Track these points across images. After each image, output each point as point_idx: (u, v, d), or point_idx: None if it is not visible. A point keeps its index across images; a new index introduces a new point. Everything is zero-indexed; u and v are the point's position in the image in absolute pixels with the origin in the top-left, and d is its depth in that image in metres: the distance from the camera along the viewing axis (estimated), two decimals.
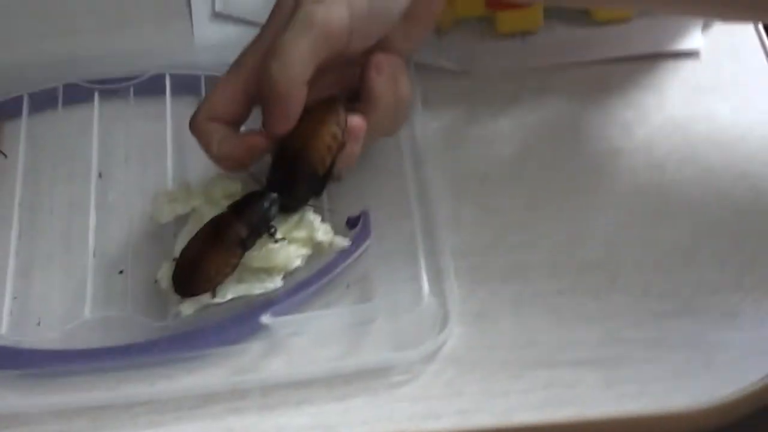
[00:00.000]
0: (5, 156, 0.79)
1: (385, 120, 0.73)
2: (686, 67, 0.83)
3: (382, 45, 0.73)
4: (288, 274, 0.71)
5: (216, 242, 0.70)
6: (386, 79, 0.72)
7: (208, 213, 0.73)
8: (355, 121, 0.72)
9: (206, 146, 0.72)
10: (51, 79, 0.82)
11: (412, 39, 0.75)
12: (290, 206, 0.72)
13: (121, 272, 0.73)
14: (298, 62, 0.69)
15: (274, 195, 0.71)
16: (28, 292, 0.73)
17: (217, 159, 0.72)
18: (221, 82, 0.72)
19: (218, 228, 0.70)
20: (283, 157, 0.72)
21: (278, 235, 0.71)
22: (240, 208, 0.71)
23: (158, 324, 0.71)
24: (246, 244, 0.70)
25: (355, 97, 0.73)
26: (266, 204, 0.71)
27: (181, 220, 0.74)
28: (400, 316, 0.70)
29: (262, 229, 0.71)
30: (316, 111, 0.72)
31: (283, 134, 0.71)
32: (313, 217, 0.73)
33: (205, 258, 0.70)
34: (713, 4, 0.73)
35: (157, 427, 0.68)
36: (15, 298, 0.73)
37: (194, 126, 0.72)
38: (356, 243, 0.73)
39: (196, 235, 0.71)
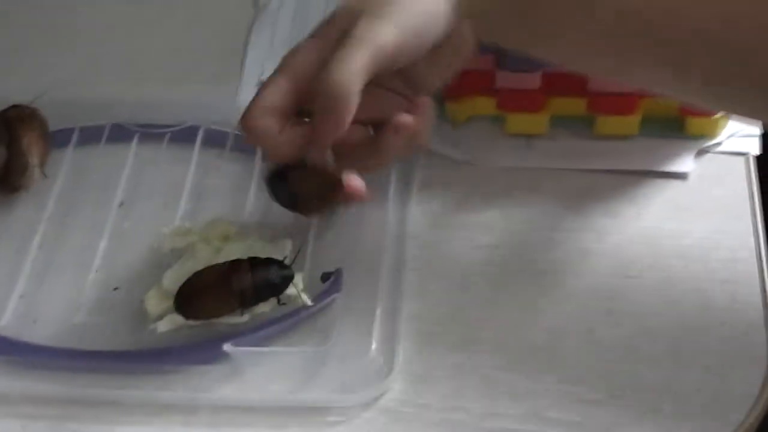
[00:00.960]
0: (46, 176, 0.90)
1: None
2: (672, 186, 0.89)
3: (408, 77, 0.79)
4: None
5: (223, 284, 0.79)
6: (401, 138, 0.77)
7: (202, 250, 0.82)
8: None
9: (260, 139, 0.77)
10: (102, 117, 0.93)
11: (437, 76, 0.80)
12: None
13: (115, 289, 0.83)
14: (355, 75, 0.73)
15: (292, 274, 0.79)
16: (34, 293, 0.83)
17: (273, 150, 0.77)
18: (271, 82, 0.76)
19: (231, 272, 0.79)
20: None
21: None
22: (257, 266, 0.79)
23: (134, 337, 0.80)
24: (245, 301, 0.78)
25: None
26: (280, 277, 0.79)
27: (177, 254, 0.83)
28: (348, 364, 0.78)
29: (264, 295, 0.79)
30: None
31: (331, 141, 0.76)
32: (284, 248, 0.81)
33: (206, 293, 0.79)
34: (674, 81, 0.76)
35: (115, 425, 0.76)
36: (21, 296, 0.83)
37: (247, 121, 0.76)
38: (324, 297, 0.81)
39: (214, 267, 0.79)
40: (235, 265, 0.79)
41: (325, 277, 0.82)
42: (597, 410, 0.76)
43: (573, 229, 0.87)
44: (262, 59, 1.00)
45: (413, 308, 0.81)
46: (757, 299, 0.81)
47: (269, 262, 0.79)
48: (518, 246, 0.86)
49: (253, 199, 0.88)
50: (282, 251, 0.82)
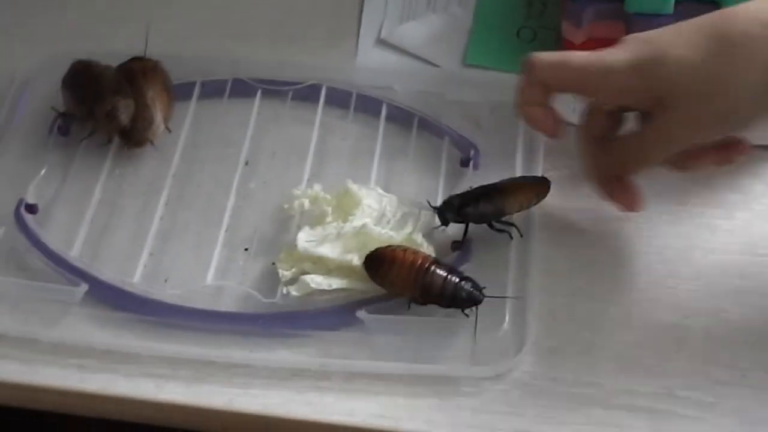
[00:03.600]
0: (169, 131, 0.90)
1: None
2: None
3: None
4: None
5: (415, 270, 0.77)
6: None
7: (333, 216, 0.82)
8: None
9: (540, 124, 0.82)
10: (223, 73, 0.93)
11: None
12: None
13: (246, 250, 0.83)
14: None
15: (481, 299, 0.77)
16: (164, 251, 0.84)
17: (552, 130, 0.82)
18: (548, 68, 0.80)
19: (429, 264, 0.78)
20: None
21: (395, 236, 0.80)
22: (453, 273, 0.78)
23: (267, 300, 0.80)
24: (422, 297, 0.77)
25: None
26: (467, 294, 0.77)
27: (306, 217, 0.83)
28: (481, 336, 0.78)
29: (443, 303, 0.78)
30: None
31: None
32: (420, 240, 0.81)
33: (398, 268, 0.78)
34: None
35: (248, 388, 0.77)
36: (151, 254, 0.83)
37: (525, 106, 0.81)
38: (456, 265, 0.81)
39: (411, 250, 0.79)
40: (435, 261, 0.78)
41: (456, 245, 0.82)
42: (729, 391, 0.76)
43: (700, 204, 0.86)
44: (380, 18, 0.99)
45: (542, 281, 0.81)
46: None
47: (467, 277, 0.78)
48: (644, 220, 0.85)
49: (377, 163, 0.87)
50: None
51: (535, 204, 0.83)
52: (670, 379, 0.77)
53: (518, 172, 0.86)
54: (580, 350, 0.78)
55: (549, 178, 0.85)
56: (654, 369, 0.77)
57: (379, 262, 0.78)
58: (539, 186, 0.84)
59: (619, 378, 0.77)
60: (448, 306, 0.77)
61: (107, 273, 0.81)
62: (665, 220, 0.85)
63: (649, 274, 0.82)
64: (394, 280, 0.78)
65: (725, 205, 0.86)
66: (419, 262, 0.77)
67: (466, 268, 0.80)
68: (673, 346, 0.79)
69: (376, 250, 0.78)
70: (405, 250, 0.78)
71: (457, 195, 0.83)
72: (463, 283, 0.77)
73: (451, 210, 0.82)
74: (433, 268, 0.77)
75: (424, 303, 0.78)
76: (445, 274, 0.77)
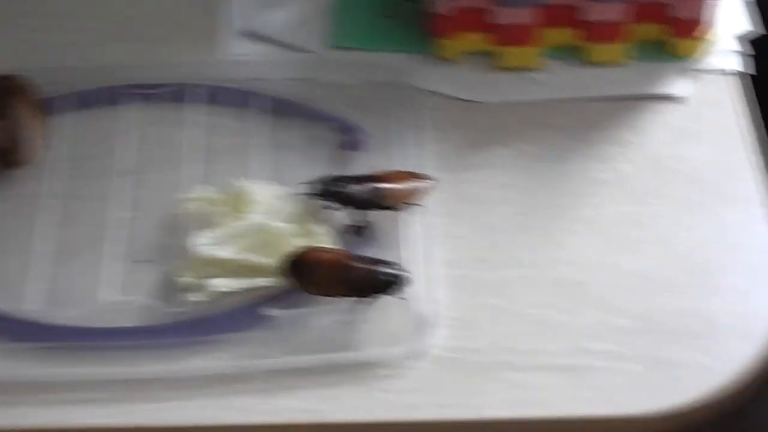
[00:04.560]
0: (48, 148, 0.87)
1: None
2: (670, 110, 0.91)
3: None
4: None
5: (340, 270, 0.78)
6: None
7: (226, 217, 0.81)
8: None
9: None
10: (98, 81, 0.91)
11: None
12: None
13: (141, 261, 0.81)
14: None
15: (406, 277, 0.78)
16: (57, 273, 0.81)
17: None
18: None
19: (351, 261, 0.78)
20: None
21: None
22: (378, 263, 0.78)
23: (172, 310, 0.79)
24: (354, 291, 0.78)
25: None
26: (391, 276, 0.78)
27: (199, 220, 0.82)
28: (391, 315, 0.78)
29: (372, 292, 0.77)
30: None
31: None
32: (319, 229, 0.81)
33: (323, 272, 0.78)
34: None
35: (166, 401, 0.75)
36: (44, 278, 0.81)
37: None
38: (364, 251, 0.81)
39: (328, 249, 0.79)
40: (353, 256, 0.78)
41: (355, 230, 0.82)
42: (635, 338, 0.78)
43: (582, 160, 0.88)
44: (243, 9, 0.98)
45: (443, 254, 0.82)
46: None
47: (386, 262, 0.78)
48: (532, 181, 0.87)
49: (264, 156, 0.87)
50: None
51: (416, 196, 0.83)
52: (581, 334, 0.78)
53: (408, 150, 0.86)
54: (490, 318, 0.79)
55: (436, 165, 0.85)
56: (564, 326, 0.79)
57: (302, 267, 0.78)
58: (414, 176, 0.84)
59: (532, 340, 0.78)
60: (378, 294, 0.77)
61: None
62: (553, 179, 0.87)
63: (546, 234, 0.84)
64: (320, 282, 0.77)
65: (607, 159, 0.88)
66: (340, 259, 0.77)
67: (372, 252, 0.81)
68: (579, 301, 0.80)
69: (295, 254, 0.78)
70: (323, 250, 0.78)
71: (333, 178, 0.82)
72: (386, 268, 0.78)
73: (328, 194, 0.82)
74: (354, 263, 0.77)
75: (353, 296, 0.78)
76: (367, 265, 0.77)
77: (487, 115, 0.91)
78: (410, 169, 0.84)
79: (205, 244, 0.80)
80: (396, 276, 0.78)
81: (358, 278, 0.77)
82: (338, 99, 0.90)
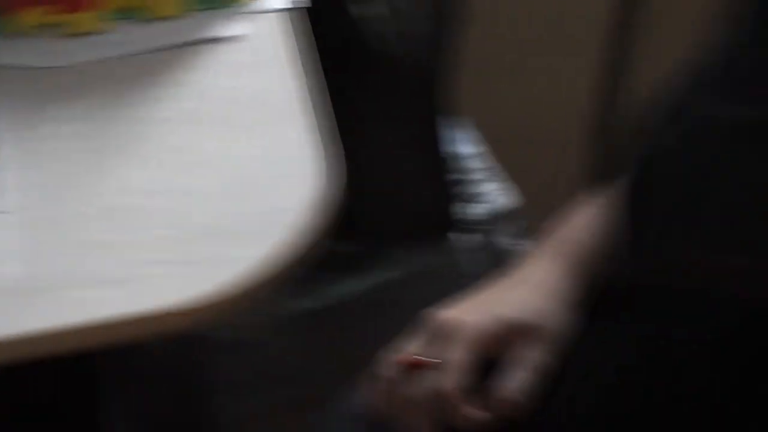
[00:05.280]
0: None
1: None
2: (228, 50, 1.02)
3: None
4: None
5: None
6: None
7: None
8: None
9: None
10: None
11: None
12: None
13: None
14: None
15: None
16: None
17: None
18: None
19: None
20: None
21: None
22: None
23: None
24: None
25: None
26: None
27: None
28: None
29: None
30: None
31: None
32: None
33: None
34: None
35: None
36: None
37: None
38: None
39: None
40: None
41: None
42: (179, 245, 0.88)
43: (149, 104, 0.98)
44: None
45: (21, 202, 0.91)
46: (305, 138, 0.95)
47: None
48: (104, 129, 0.97)
49: None
50: None
51: None
52: (139, 250, 0.88)
53: None
54: (60, 250, 0.89)
55: None
56: (122, 246, 0.89)
57: None
58: None
59: (93, 263, 0.88)
60: None
61: None
62: (120, 123, 0.97)
63: (112, 170, 0.94)
64: None
65: (171, 99, 0.98)
66: None
67: None
68: (138, 224, 0.90)
69: None
70: None
71: None
72: None
73: None
74: None
75: None
76: None
77: (60, 78, 1.00)
78: None
79: None
80: None
81: None
82: None
